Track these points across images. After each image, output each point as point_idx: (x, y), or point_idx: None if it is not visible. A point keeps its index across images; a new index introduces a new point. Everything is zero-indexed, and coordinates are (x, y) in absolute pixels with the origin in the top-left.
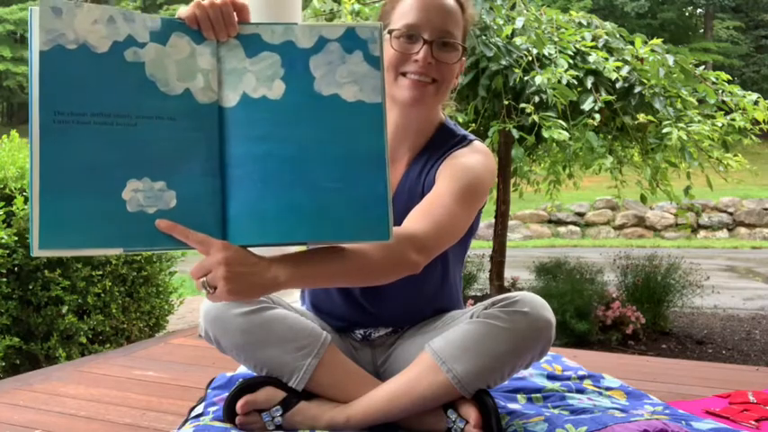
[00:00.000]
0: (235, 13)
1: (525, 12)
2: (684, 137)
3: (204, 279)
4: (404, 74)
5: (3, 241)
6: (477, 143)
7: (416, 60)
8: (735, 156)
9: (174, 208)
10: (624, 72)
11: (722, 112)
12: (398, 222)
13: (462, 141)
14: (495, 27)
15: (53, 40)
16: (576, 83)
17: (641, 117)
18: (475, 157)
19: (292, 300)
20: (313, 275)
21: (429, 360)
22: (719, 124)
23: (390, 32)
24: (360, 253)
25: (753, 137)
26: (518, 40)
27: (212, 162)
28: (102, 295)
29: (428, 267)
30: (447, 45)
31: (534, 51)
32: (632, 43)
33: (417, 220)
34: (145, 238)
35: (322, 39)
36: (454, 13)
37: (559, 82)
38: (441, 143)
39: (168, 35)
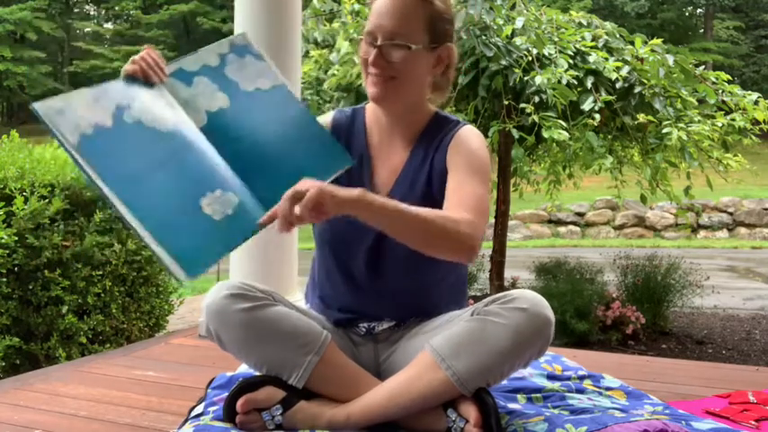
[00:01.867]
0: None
1: (525, 12)
2: (684, 137)
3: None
4: (368, 74)
5: (3, 241)
6: (469, 125)
7: (372, 63)
8: (735, 156)
9: (238, 203)
10: (624, 72)
11: (722, 112)
12: (403, 201)
13: (457, 124)
14: (495, 27)
15: (74, 133)
16: (576, 83)
17: (641, 117)
18: (475, 142)
19: (295, 299)
20: (388, 211)
21: (429, 358)
22: (719, 124)
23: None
24: (430, 217)
25: (753, 137)
26: (518, 40)
27: (228, 165)
28: (102, 295)
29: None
30: (396, 45)
31: (534, 51)
32: (632, 43)
33: (458, 210)
34: (237, 234)
35: (221, 55)
36: (407, 13)
37: (559, 82)
38: (437, 129)
39: (135, 90)
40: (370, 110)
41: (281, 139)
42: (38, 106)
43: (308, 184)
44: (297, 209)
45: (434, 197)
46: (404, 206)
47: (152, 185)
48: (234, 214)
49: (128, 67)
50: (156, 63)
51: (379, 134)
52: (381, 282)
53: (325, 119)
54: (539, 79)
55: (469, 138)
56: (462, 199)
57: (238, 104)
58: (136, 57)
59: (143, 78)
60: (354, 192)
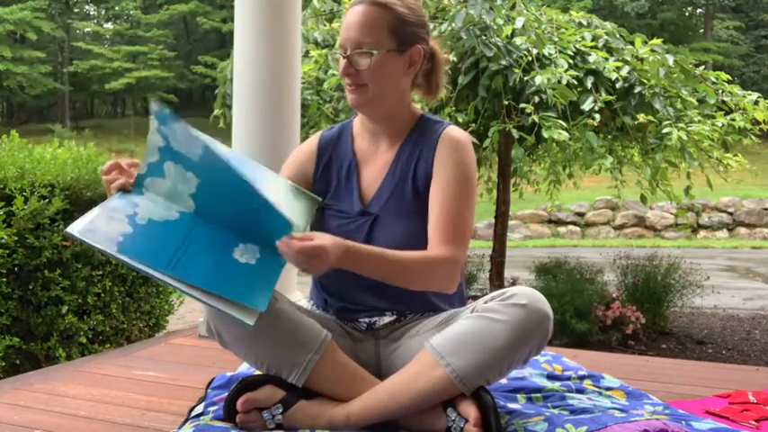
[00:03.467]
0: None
1: (525, 12)
2: (684, 137)
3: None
4: (346, 84)
5: (3, 241)
6: (454, 130)
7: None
8: (735, 156)
9: (259, 248)
10: (624, 72)
11: (722, 112)
12: (391, 197)
13: (443, 124)
14: (495, 27)
15: (111, 243)
16: (575, 83)
17: (641, 117)
18: (463, 148)
19: (294, 299)
20: (371, 265)
21: (428, 356)
22: (719, 124)
23: None
24: (408, 264)
25: (753, 137)
26: (518, 40)
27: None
28: (102, 295)
29: (413, 249)
30: (361, 54)
31: (534, 51)
32: (632, 43)
33: (440, 244)
34: (276, 266)
35: (158, 130)
36: (369, 22)
37: (559, 82)
38: (424, 129)
39: (132, 200)
40: (358, 120)
41: (247, 190)
42: (74, 232)
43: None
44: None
45: (421, 195)
46: (384, 255)
47: (192, 258)
48: (262, 256)
49: (114, 185)
50: (128, 171)
51: (365, 140)
52: None
53: (312, 140)
54: (539, 79)
55: (457, 141)
56: (446, 226)
57: (202, 176)
58: (106, 177)
59: (132, 186)
60: (338, 254)
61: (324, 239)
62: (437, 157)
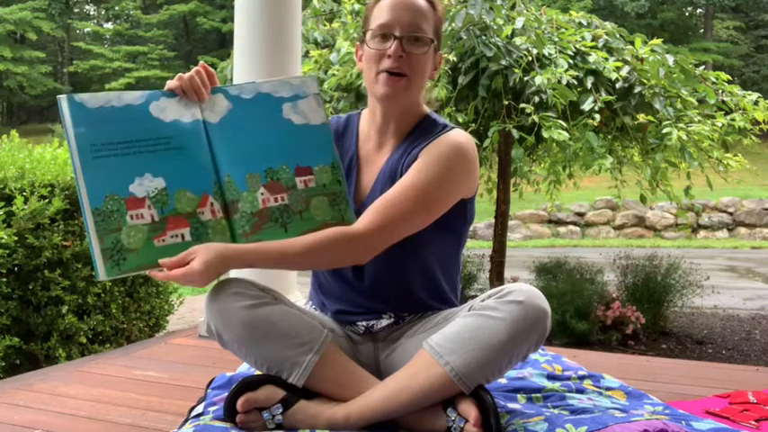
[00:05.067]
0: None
1: (525, 12)
2: (684, 137)
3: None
4: (381, 72)
5: (3, 241)
6: (455, 133)
7: (390, 56)
8: (735, 156)
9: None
10: (624, 72)
11: (722, 112)
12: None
13: (445, 128)
14: (495, 27)
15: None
16: (576, 83)
17: (641, 117)
18: (451, 148)
19: (294, 299)
20: (268, 257)
21: (427, 355)
22: (719, 124)
23: (367, 34)
24: (315, 246)
25: (753, 137)
26: (518, 40)
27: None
28: (102, 295)
29: (406, 251)
30: (417, 39)
31: (534, 51)
32: (632, 43)
33: (369, 217)
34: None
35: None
36: (423, 11)
37: (559, 82)
38: (424, 131)
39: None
40: (365, 116)
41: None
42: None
43: (194, 263)
44: (175, 272)
45: None
46: (269, 247)
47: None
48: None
49: (171, 83)
50: (199, 86)
51: (371, 139)
52: (369, 279)
53: None
54: (539, 79)
55: (452, 141)
56: (385, 202)
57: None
58: (186, 75)
59: (184, 95)
60: (216, 260)
61: (197, 260)
62: (422, 151)
